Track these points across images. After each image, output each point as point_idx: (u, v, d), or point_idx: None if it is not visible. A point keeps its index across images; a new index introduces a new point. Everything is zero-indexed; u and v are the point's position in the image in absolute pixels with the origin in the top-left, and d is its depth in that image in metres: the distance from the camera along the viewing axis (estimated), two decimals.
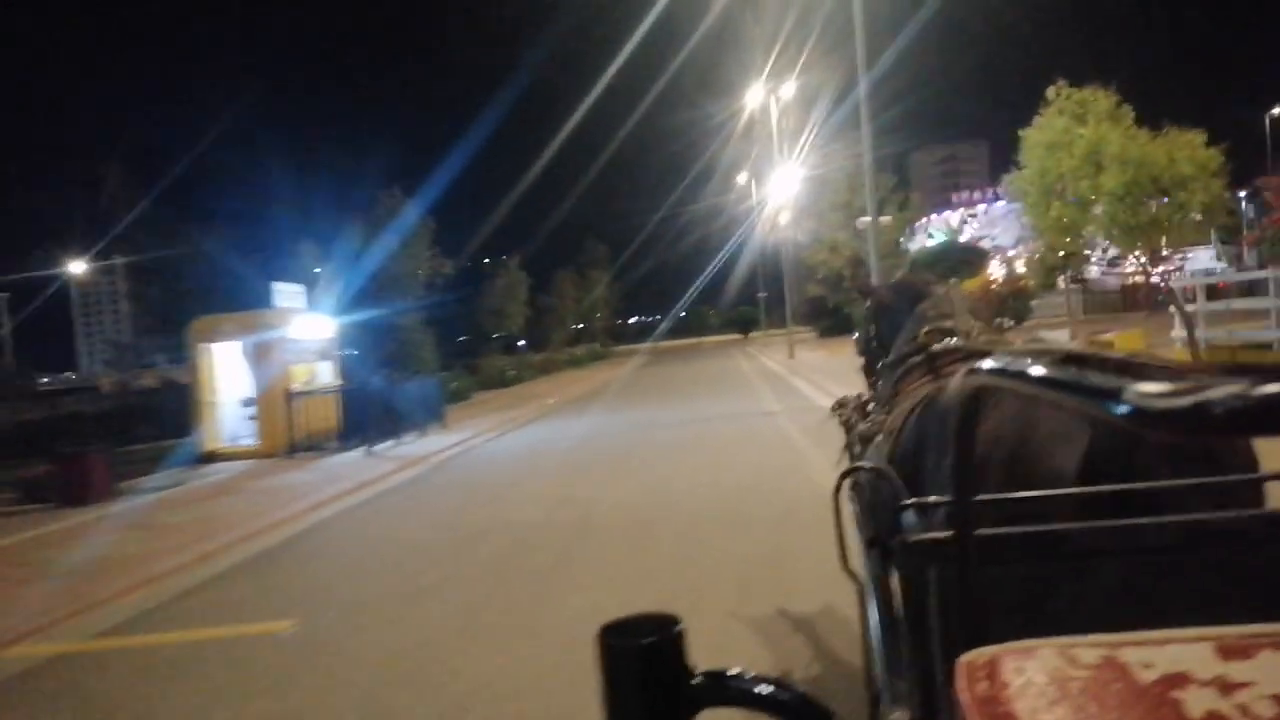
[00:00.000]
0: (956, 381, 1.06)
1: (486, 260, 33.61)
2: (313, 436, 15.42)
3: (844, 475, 2.13)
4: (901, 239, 42.51)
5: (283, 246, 22.50)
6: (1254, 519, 1.46)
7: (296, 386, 15.55)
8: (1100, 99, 13.92)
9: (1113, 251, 16.77)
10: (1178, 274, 31.02)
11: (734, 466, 10.38)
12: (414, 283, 24.67)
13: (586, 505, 8.99)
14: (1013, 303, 22.46)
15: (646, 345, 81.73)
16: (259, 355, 15.30)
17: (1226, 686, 0.81)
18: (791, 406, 16.13)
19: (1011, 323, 22.62)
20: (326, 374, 17.01)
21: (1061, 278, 20.55)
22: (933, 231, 47.26)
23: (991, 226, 48.70)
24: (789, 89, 37.34)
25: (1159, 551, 1.40)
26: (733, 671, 0.90)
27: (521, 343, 53.12)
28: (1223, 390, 0.50)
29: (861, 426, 3.11)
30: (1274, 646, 0.88)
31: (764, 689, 0.90)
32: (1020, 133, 14.57)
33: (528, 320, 41.31)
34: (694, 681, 0.87)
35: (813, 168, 42.80)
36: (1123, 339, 18.05)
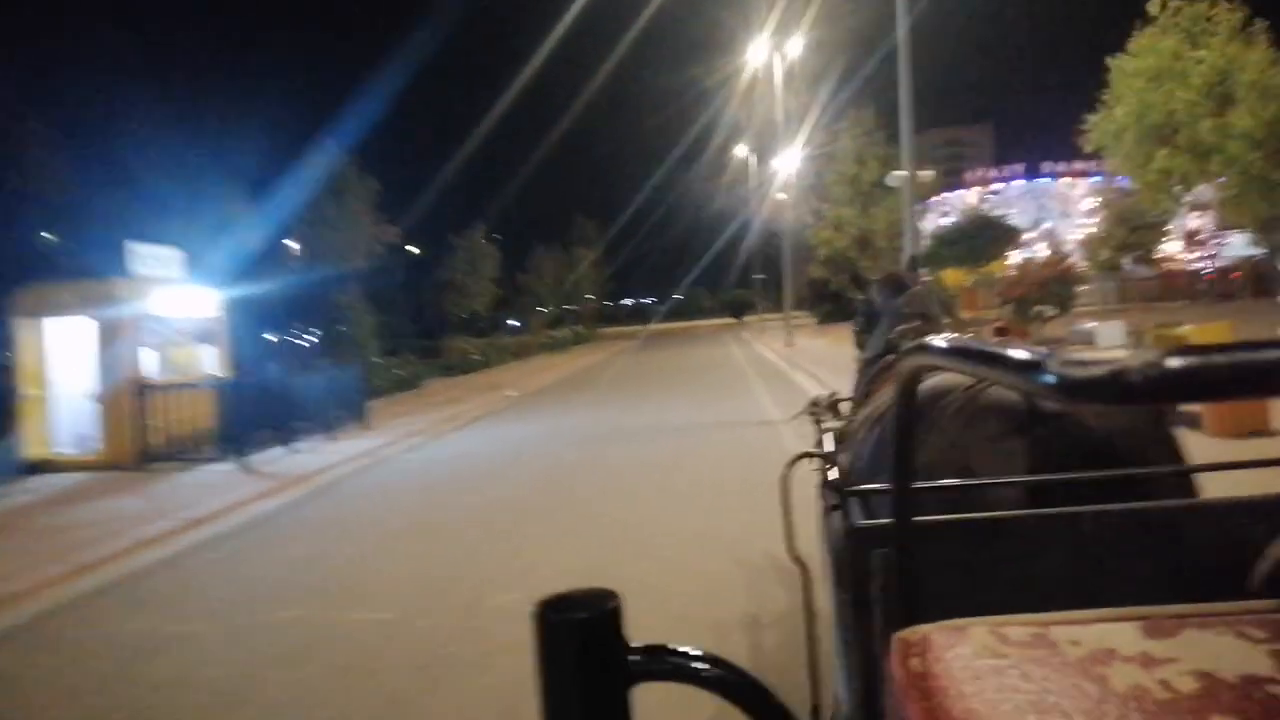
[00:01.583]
0: (901, 364, 1.08)
1: (450, 233, 29.93)
2: (178, 442, 11.84)
3: (793, 461, 2.19)
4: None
5: (165, 201, 18.92)
6: (1178, 509, 1.53)
7: (155, 378, 11.94)
8: (1223, 13, 10.35)
9: (1196, 222, 13.28)
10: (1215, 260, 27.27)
11: (725, 511, 6.85)
12: (352, 253, 21.00)
13: (488, 595, 5.45)
14: (1056, 288, 18.93)
15: (640, 329, 78.12)
16: (106, 336, 11.66)
17: (1150, 662, 0.87)
18: (795, 412, 12.56)
19: (1055, 311, 19.10)
20: (210, 362, 13.38)
21: (1129, 258, 17.17)
22: (947, 209, 43.72)
23: (1007, 206, 45.14)
24: (794, 48, 33.58)
25: (1090, 539, 1.46)
26: (671, 646, 0.90)
27: (514, 322, 49.57)
28: (1138, 360, 0.51)
29: (831, 423, 3.17)
30: (1197, 625, 0.94)
31: (702, 665, 0.91)
32: (1110, 60, 11.00)
33: (498, 299, 37.69)
34: (631, 657, 0.87)
35: (817, 144, 39.20)
36: (1204, 333, 14.60)
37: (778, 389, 16.64)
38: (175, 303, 12.66)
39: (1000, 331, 17.84)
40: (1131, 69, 10.61)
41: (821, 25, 34.37)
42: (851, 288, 28.04)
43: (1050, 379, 0.57)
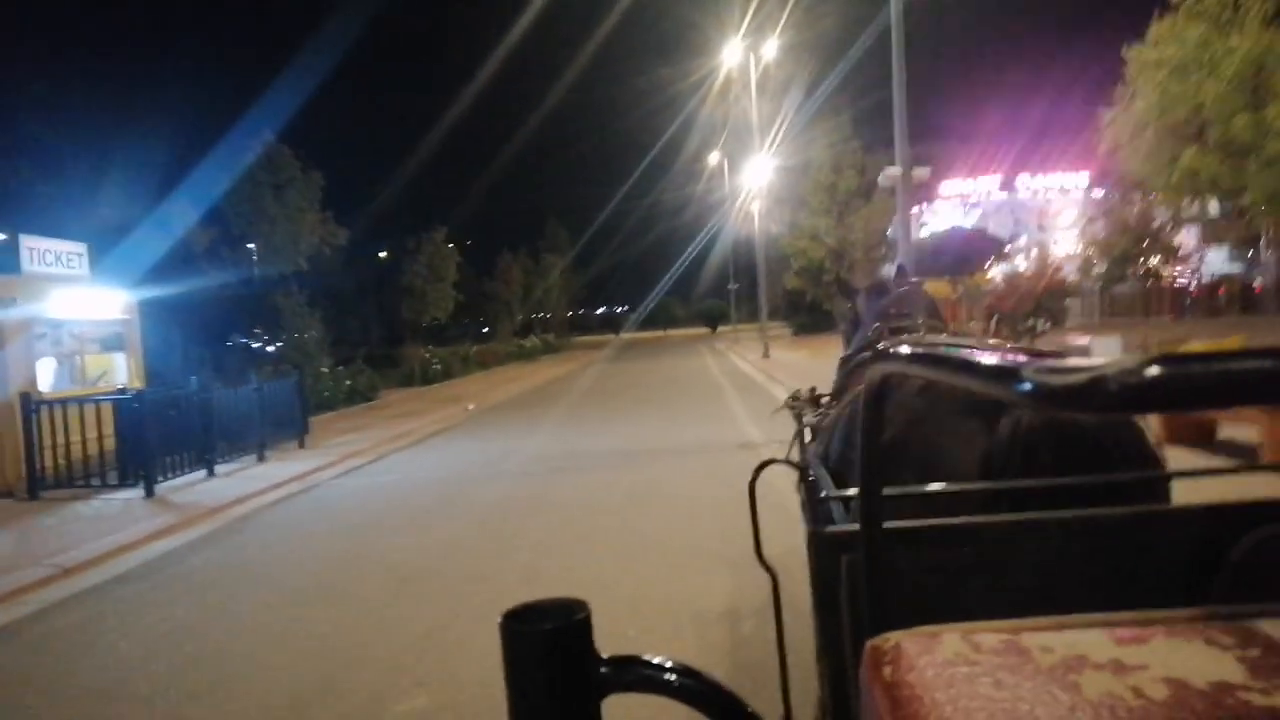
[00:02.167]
0: (869, 371, 1.08)
1: (408, 236, 28.28)
2: (79, 466, 10.34)
3: (760, 467, 2.07)
4: (890, 229, 38.12)
5: (67, 190, 17.21)
6: (1143, 515, 1.52)
7: (52, 390, 10.45)
8: None
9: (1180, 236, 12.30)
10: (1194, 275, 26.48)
11: (704, 562, 5.55)
12: (292, 253, 19.46)
13: (391, 698, 4.10)
14: (1047, 302, 17.94)
15: (613, 338, 76.74)
16: None
17: (1121, 669, 0.87)
18: (777, 433, 11.34)
19: (1048, 325, 18.08)
20: (121, 372, 11.88)
21: (1133, 270, 16.20)
22: (925, 221, 42.90)
23: (983, 220, 44.45)
24: (769, 52, 32.55)
25: (1057, 544, 1.48)
26: (643, 657, 0.89)
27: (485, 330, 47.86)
28: (1116, 367, 0.51)
29: (809, 418, 3.21)
30: (1166, 632, 0.95)
31: (672, 676, 0.89)
32: (1129, 51, 9.92)
33: (461, 306, 36.06)
34: (601, 668, 0.85)
35: (792, 152, 38.21)
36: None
37: (756, 405, 15.41)
38: (77, 304, 11.17)
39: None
40: (1153, 59, 9.56)
41: (796, 30, 33.40)
42: (828, 297, 27.06)
43: (1027, 386, 0.57)
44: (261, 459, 12.42)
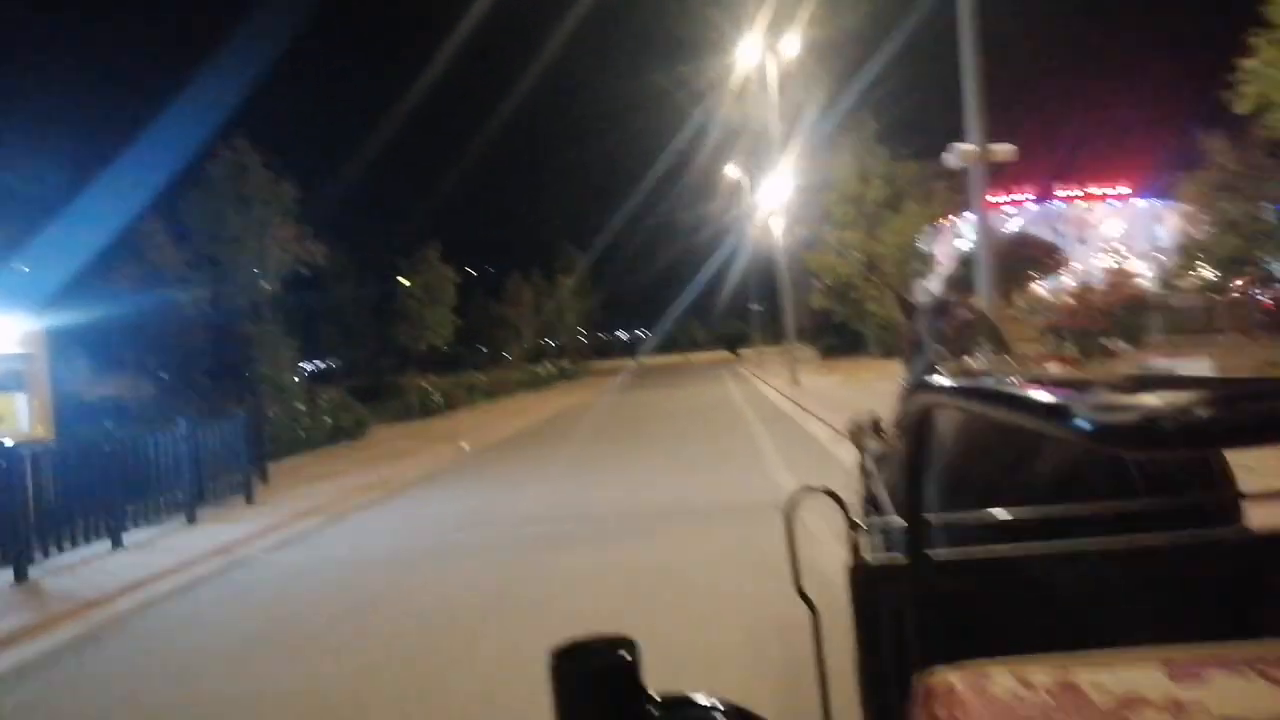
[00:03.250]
0: (911, 403, 1.10)
1: (402, 256, 26.06)
2: None
3: (796, 495, 2.03)
4: (923, 242, 35.74)
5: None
6: (1196, 542, 1.43)
7: None
8: None
9: None
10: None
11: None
12: (260, 271, 17.36)
13: None
14: (1124, 318, 15.57)
15: (631, 363, 74.44)
16: None
17: (1179, 709, 0.85)
18: (820, 480, 8.98)
19: (1124, 345, 15.66)
20: (20, 417, 9.78)
21: (1241, 281, 13.80)
22: (962, 232, 40.42)
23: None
24: (788, 55, 30.40)
25: (1106, 572, 1.42)
26: (693, 697, 0.87)
27: (506, 355, 45.51)
28: (1170, 406, 0.51)
29: (872, 446, 3.21)
30: (1220, 666, 0.91)
31: (722, 718, 0.87)
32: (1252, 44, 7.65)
33: (467, 331, 33.97)
34: (652, 707, 0.83)
35: (814, 162, 36.02)
36: None
37: (790, 444, 13.09)
38: None
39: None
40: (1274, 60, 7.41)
41: (816, 37, 31.27)
42: (857, 316, 24.67)
43: (1081, 425, 0.55)
44: (192, 520, 10.25)
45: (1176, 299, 25.42)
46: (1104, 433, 0.53)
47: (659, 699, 0.83)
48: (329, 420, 17.76)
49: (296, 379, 18.48)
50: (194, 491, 10.43)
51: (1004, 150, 8.39)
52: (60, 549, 8.47)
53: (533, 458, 14.92)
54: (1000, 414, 0.74)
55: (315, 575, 7.75)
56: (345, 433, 18.82)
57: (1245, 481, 1.84)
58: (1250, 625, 1.22)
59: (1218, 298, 23.29)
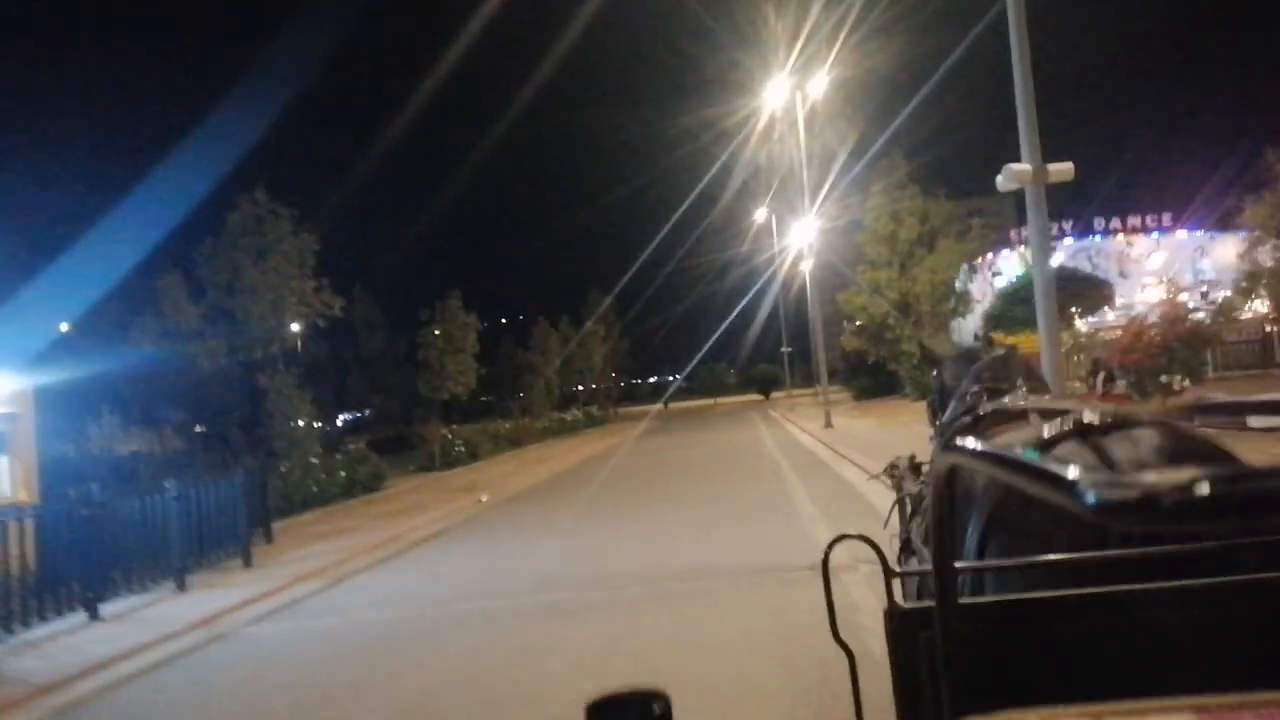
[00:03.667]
0: (936, 462, 1.24)
1: (424, 306, 25.56)
2: None
3: (834, 542, 1.99)
4: (959, 280, 34.72)
5: None
6: (1230, 585, 1.43)
7: None
8: None
9: None
10: None
11: None
12: (275, 326, 16.84)
13: None
14: (1183, 353, 14.49)
15: (660, 408, 73.55)
16: None
17: None
18: (864, 537, 8.09)
19: (1185, 382, 14.56)
20: (3, 478, 9.20)
21: None
22: (999, 270, 39.31)
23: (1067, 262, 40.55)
24: (817, 96, 29.92)
25: (1140, 618, 1.41)
26: None
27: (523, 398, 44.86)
28: (1168, 483, 0.52)
29: (912, 488, 3.27)
30: (1254, 714, 0.90)
31: None
32: None
33: (492, 379, 33.31)
34: None
35: (845, 202, 35.39)
36: None
37: (826, 493, 12.15)
38: None
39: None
40: None
41: (845, 78, 30.78)
42: (892, 357, 23.66)
43: (1083, 499, 0.57)
44: (182, 587, 9.53)
45: (1233, 333, 24.15)
46: (1106, 508, 0.55)
47: None
48: (344, 474, 17.09)
49: (318, 428, 17.82)
50: (186, 556, 9.73)
51: (1061, 169, 7.58)
52: (29, 624, 7.79)
53: (552, 511, 14.10)
54: (1013, 480, 0.75)
55: (297, 653, 6.96)
56: (362, 486, 18.14)
57: None
58: None
59: (1276, 330, 22.09)
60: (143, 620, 8.31)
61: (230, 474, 11.25)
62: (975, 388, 2.93)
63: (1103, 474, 0.58)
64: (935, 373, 3.77)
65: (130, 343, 17.21)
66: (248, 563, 10.84)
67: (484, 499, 16.41)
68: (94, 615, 8.30)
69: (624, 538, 10.50)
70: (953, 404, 3.20)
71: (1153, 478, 0.53)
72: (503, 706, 5.13)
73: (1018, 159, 8.01)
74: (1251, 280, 17.75)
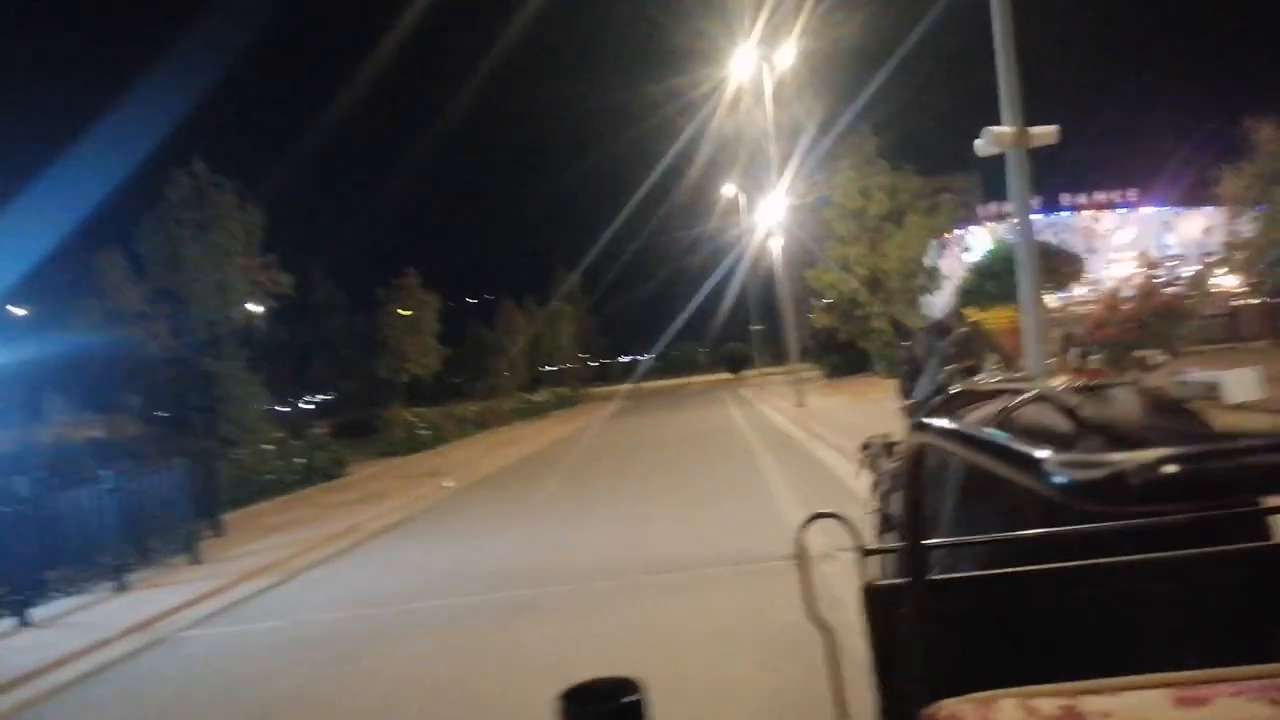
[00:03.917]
0: (906, 440, 1.12)
1: (382, 285, 24.70)
2: None
3: (809, 520, 1.94)
4: (929, 256, 34.57)
5: None
6: (1204, 557, 1.42)
7: None
8: None
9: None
10: None
11: None
12: (218, 306, 16.09)
13: None
14: (1160, 327, 14.29)
15: (630, 388, 73.15)
16: None
17: None
18: (838, 515, 7.72)
19: (1163, 357, 14.38)
20: None
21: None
22: (968, 246, 39.25)
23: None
24: (784, 66, 29.37)
25: (1114, 591, 1.40)
26: None
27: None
28: (1135, 463, 0.52)
29: (887, 465, 3.21)
30: (1229, 692, 0.91)
31: None
32: None
33: (457, 360, 32.58)
34: None
35: (814, 177, 34.99)
36: None
37: (801, 475, 11.80)
38: None
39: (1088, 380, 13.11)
40: None
41: (813, 49, 30.24)
42: (862, 334, 23.49)
43: (1052, 479, 0.57)
44: (122, 588, 8.95)
45: (1208, 306, 24.13)
46: (1074, 489, 0.55)
47: None
48: (301, 460, 16.46)
49: (285, 412, 17.15)
50: (126, 553, 9.15)
51: (1045, 132, 7.19)
52: None
53: (518, 497, 13.63)
54: (982, 460, 0.73)
55: (238, 660, 6.46)
56: (322, 473, 17.53)
57: None
58: (1265, 645, 1.17)
59: (1250, 303, 22.11)
60: (75, 625, 7.74)
61: (172, 463, 10.61)
62: (948, 367, 2.92)
63: (1070, 455, 0.56)
64: (907, 344, 3.79)
65: (73, 326, 16.42)
66: (194, 559, 10.26)
67: (448, 485, 15.90)
68: (22, 621, 7.72)
69: (591, 526, 10.07)
70: (922, 380, 3.24)
71: (1120, 458, 0.52)
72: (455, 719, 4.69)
73: (979, 130, 7.63)
74: (1230, 251, 17.71)
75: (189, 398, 16.68)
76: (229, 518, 12.91)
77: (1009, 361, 3.07)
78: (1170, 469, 0.51)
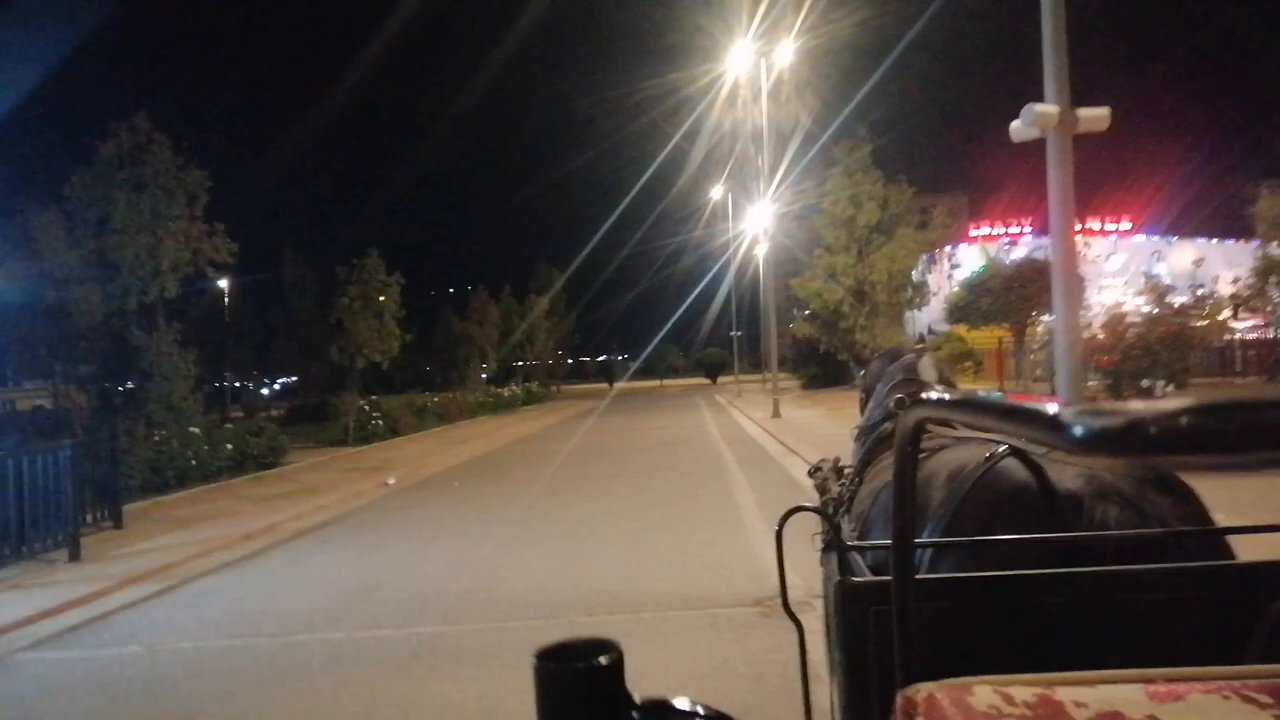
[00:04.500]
0: (903, 418, 1.06)
1: (342, 264, 23.12)
2: None
3: (787, 515, 2.04)
4: (916, 271, 33.58)
5: None
6: (1178, 571, 1.47)
7: None
8: None
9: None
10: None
11: None
12: (153, 270, 14.63)
13: None
14: (1166, 356, 13.30)
15: (606, 388, 71.76)
16: None
17: None
18: (813, 549, 6.51)
19: (1169, 387, 13.36)
20: None
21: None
22: (958, 262, 38.34)
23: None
24: (778, 74, 28.27)
25: (1090, 599, 1.46)
26: (675, 701, 0.87)
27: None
28: (1154, 411, 0.52)
29: (834, 489, 3.17)
30: (1201, 689, 0.93)
31: None
32: None
33: (422, 349, 31.26)
34: (633, 711, 0.83)
35: (803, 185, 33.91)
36: None
37: (775, 496, 10.61)
38: None
39: None
40: None
41: (807, 50, 29.13)
42: (845, 346, 22.45)
43: (1065, 433, 0.56)
44: None
45: (1222, 337, 23.19)
46: (1092, 438, 0.53)
47: (640, 703, 0.83)
48: (230, 446, 15.04)
49: (256, 391, 15.71)
50: (13, 545, 7.79)
51: (1096, 115, 6.04)
52: None
53: (463, 501, 12.33)
54: (990, 424, 0.75)
55: (70, 698, 5.15)
56: (255, 461, 16.11)
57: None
58: (1233, 655, 1.23)
59: (1246, 339, 21.31)
60: None
61: (56, 444, 9.22)
62: (898, 395, 2.92)
63: (1086, 406, 0.56)
64: (862, 373, 3.92)
65: (5, 290, 14.99)
66: (74, 556, 8.89)
67: (390, 482, 14.57)
68: None
69: (532, 547, 8.79)
70: (870, 406, 3.31)
71: (1139, 406, 0.52)
72: None
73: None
74: (1260, 276, 16.84)
75: (117, 372, 15.27)
76: (134, 508, 11.53)
77: (954, 388, 3.04)
78: (1190, 418, 0.49)
